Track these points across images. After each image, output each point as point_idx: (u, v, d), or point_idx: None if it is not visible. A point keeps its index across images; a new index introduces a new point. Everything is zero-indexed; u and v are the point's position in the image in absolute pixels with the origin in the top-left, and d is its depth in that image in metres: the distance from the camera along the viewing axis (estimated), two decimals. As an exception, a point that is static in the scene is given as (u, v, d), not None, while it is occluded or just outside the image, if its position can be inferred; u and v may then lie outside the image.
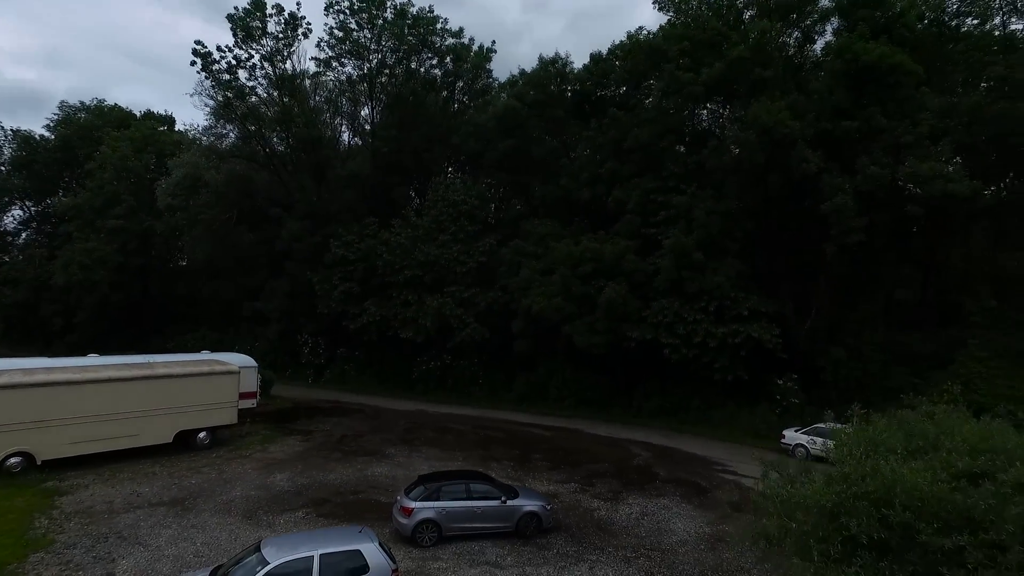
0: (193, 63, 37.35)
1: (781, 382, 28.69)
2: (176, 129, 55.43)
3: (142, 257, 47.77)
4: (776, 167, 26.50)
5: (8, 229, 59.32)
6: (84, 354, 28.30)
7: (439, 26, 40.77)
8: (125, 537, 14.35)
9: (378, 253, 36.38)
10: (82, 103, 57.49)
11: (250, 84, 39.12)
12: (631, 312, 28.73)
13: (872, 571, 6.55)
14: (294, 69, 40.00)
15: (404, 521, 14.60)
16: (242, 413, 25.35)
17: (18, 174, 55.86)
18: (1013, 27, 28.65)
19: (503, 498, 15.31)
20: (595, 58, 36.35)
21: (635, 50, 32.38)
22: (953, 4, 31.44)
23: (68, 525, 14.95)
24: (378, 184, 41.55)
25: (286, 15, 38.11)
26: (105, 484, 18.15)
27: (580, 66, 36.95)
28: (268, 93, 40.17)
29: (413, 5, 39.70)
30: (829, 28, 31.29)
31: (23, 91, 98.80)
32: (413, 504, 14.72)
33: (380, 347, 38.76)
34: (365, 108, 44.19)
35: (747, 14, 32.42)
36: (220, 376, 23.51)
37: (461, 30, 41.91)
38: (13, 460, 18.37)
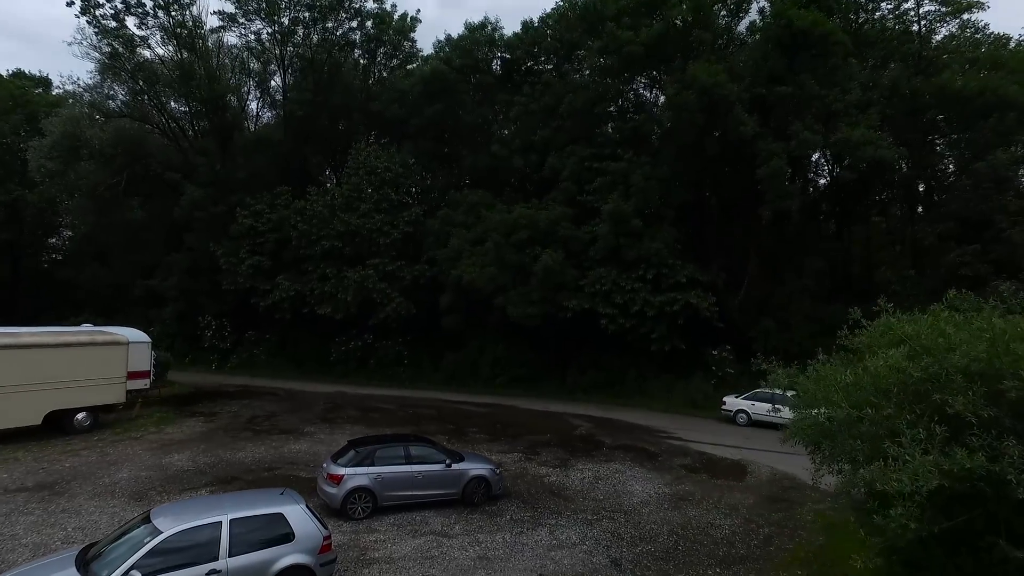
0: (70, 3, 32.65)
1: (716, 353, 28.49)
2: (55, 93, 49.05)
3: (9, 232, 41.72)
4: (713, 131, 26.10)
5: None
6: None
7: (358, -16, 38.05)
8: (-34, 527, 11.33)
9: (292, 224, 33.27)
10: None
11: (141, 34, 34.80)
12: (568, 281, 27.55)
13: (990, 453, 5.37)
14: (194, 22, 35.99)
15: (332, 491, 12.44)
16: (133, 396, 22.05)
17: None
18: (926, 7, 29.92)
19: (447, 461, 13.45)
20: (526, 25, 35.07)
21: (571, 11, 31.21)
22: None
23: None
24: (291, 153, 38.24)
25: (183, -44, 34.18)
26: (-53, 471, 14.71)
27: (511, 33, 35.58)
28: (163, 47, 35.93)
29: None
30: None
31: None
32: (343, 470, 12.58)
33: (294, 328, 35.58)
34: (277, 76, 40.62)
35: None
36: (104, 348, 20.15)
37: (383, -10, 39.35)
38: None
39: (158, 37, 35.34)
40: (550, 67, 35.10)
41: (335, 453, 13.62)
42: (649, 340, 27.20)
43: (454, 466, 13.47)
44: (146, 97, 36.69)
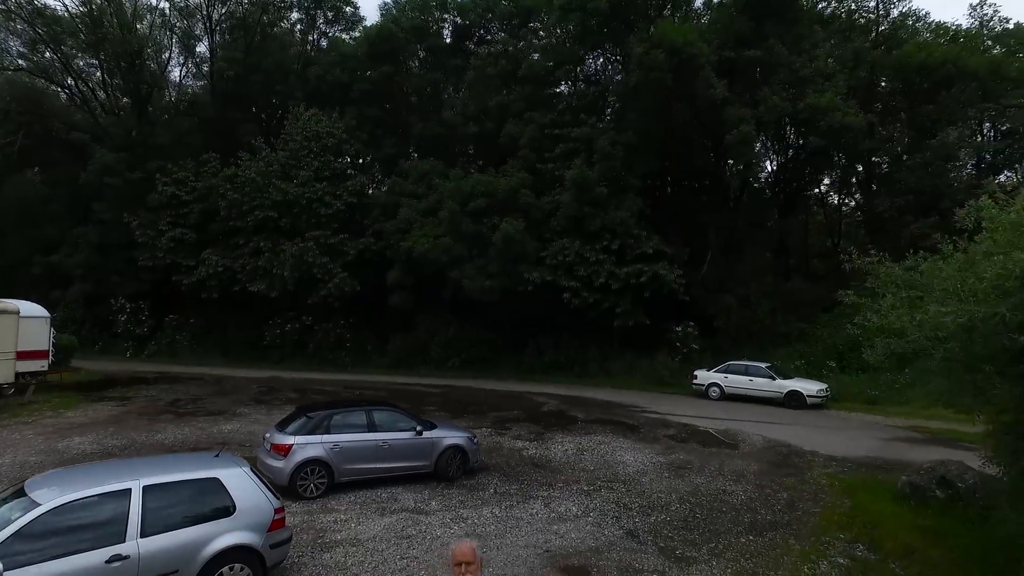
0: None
1: (679, 329, 27.41)
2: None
3: None
4: (682, 95, 24.93)
5: None
6: None
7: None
8: None
9: (221, 192, 29.96)
10: None
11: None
12: (529, 252, 25.77)
13: None
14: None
15: (277, 464, 10.11)
16: (26, 380, 18.78)
17: None
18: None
19: (418, 428, 11.34)
20: (479, -13, 33.11)
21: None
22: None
23: None
24: (220, 119, 34.73)
25: None
26: None
27: (462, -4, 33.48)
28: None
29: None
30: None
31: None
32: (291, 439, 10.28)
33: (222, 310, 32.22)
34: (204, 40, 36.87)
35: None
36: (-15, 316, 16.80)
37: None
38: None
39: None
40: (507, 28, 33.19)
41: (280, 421, 11.29)
42: (613, 315, 25.80)
43: (426, 434, 11.38)
44: (48, 50, 32.31)
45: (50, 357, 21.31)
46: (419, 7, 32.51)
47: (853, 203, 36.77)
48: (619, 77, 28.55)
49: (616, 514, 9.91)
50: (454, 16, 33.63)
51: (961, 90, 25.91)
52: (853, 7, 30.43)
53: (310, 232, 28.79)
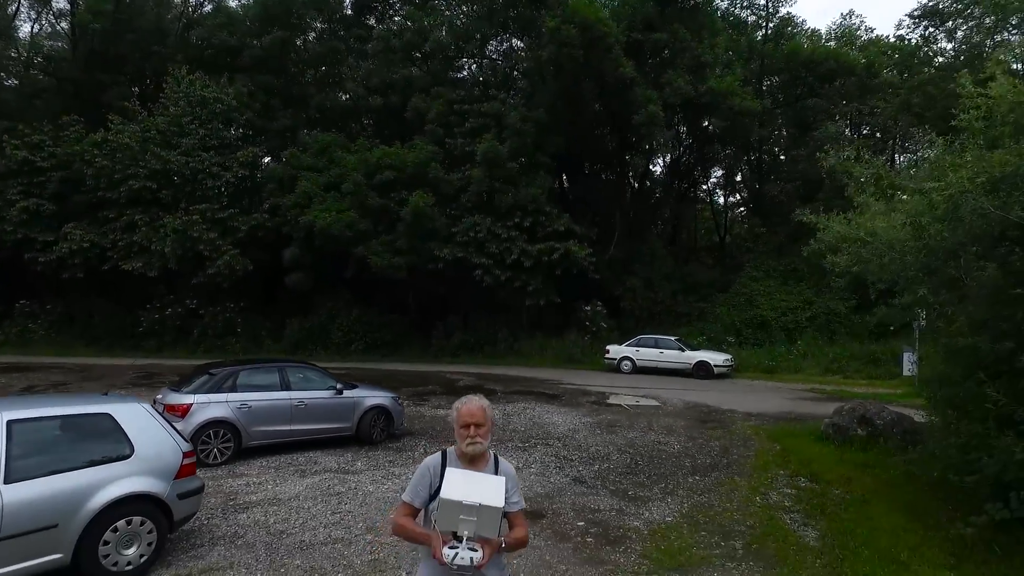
0: None
1: (588, 308, 27.65)
2: None
3: None
4: (591, 74, 25.08)
5: None
6: None
7: None
8: None
9: (87, 160, 26.50)
10: None
11: None
12: (439, 228, 24.89)
13: None
14: None
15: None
16: None
17: None
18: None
19: (338, 386, 10.26)
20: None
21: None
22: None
23: None
24: (86, 82, 30.78)
25: None
26: None
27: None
28: None
29: None
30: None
31: None
32: (191, 398, 8.90)
33: (88, 294, 28.54)
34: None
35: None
36: None
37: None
38: None
39: None
40: (409, 8, 32.00)
41: (177, 381, 9.80)
42: (525, 294, 25.53)
43: (346, 393, 10.33)
44: None
45: None
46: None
47: (739, 198, 39.25)
48: (528, 54, 28.27)
49: (558, 465, 9.43)
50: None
51: (842, 84, 28.21)
52: (746, 3, 32.28)
53: (195, 206, 26.14)
